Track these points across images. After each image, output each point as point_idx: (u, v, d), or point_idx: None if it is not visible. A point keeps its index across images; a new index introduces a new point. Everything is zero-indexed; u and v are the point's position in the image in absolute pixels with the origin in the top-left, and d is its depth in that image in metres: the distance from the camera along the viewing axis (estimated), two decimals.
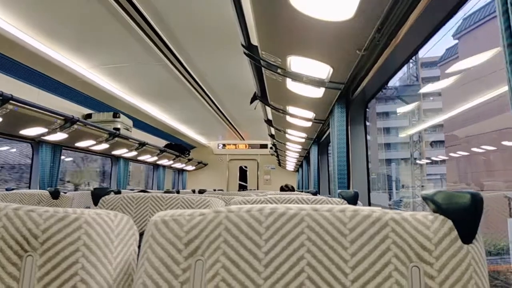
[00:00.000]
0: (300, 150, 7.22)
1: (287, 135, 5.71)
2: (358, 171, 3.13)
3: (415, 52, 2.06)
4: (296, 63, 2.46)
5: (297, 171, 10.97)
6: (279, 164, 11.59)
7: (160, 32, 3.45)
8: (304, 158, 8.21)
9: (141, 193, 2.05)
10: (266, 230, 0.83)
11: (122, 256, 0.98)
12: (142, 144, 6.72)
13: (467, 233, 0.83)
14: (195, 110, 6.81)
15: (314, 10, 1.71)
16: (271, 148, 10.11)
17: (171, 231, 0.86)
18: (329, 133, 3.83)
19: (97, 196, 2.06)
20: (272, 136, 7.02)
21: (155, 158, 8.09)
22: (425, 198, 0.90)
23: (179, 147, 9.07)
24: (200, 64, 4.38)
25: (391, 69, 2.34)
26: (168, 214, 0.88)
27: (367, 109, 3.25)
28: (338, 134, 3.17)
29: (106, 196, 2.06)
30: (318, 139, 5.69)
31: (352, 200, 1.85)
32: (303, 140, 5.77)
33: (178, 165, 9.93)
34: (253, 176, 11.87)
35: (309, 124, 4.34)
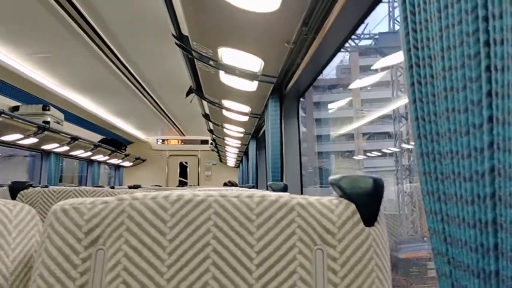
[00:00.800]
0: (239, 145, 7.23)
1: (225, 130, 5.70)
2: (291, 165, 3.18)
3: (343, 43, 2.11)
4: (228, 55, 2.45)
5: (238, 166, 11.00)
6: (220, 160, 11.56)
7: (92, 22, 3.31)
8: (244, 154, 8.25)
9: (63, 187, 1.96)
10: (171, 217, 0.81)
11: (21, 248, 0.92)
12: (74, 138, 6.44)
13: (369, 216, 0.85)
14: (132, 104, 6.62)
15: (240, 1, 1.70)
16: (211, 143, 10.05)
17: (71, 220, 0.82)
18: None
19: (14, 190, 1.94)
20: (211, 131, 6.98)
21: (89, 153, 7.79)
22: (332, 184, 0.92)
23: (115, 142, 8.80)
24: (135, 56, 4.26)
25: (321, 62, 2.39)
26: (68, 202, 0.84)
27: (303, 99, 3.30)
28: (272, 128, 3.20)
29: (25, 190, 1.94)
30: (256, 134, 5.73)
31: (282, 192, 1.87)
32: (242, 135, 5.79)
33: (115, 161, 9.63)
34: (194, 172, 11.76)
35: (245, 118, 4.35)
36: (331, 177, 0.93)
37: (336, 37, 2.00)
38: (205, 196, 0.83)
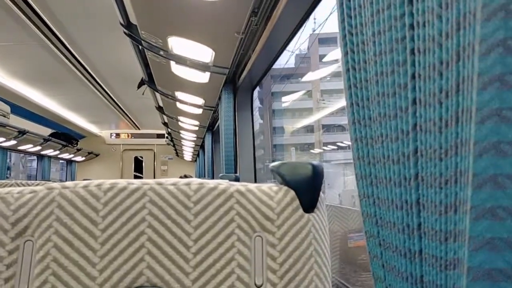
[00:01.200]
0: (195, 139, 7.17)
1: (180, 123, 5.62)
2: (245, 157, 3.18)
3: (294, 33, 2.12)
4: (179, 45, 2.40)
5: (195, 161, 10.91)
6: (177, 154, 11.42)
7: (38, 10, 3.16)
8: (200, 147, 8.18)
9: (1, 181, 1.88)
10: (104, 206, 0.78)
11: None
12: (22, 132, 6.16)
13: (308, 202, 0.86)
14: (84, 97, 6.40)
15: None
16: (167, 137, 9.89)
17: None
18: None
19: None
20: (165, 124, 6.87)
21: (39, 147, 7.49)
22: (273, 171, 0.92)
23: (67, 136, 8.50)
24: (84, 46, 4.11)
25: (273, 52, 2.40)
26: None
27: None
28: (226, 120, 3.18)
29: None
30: (212, 127, 5.69)
31: None
32: (197, 128, 5.73)
33: (66, 156, 9.31)
34: (150, 166, 11.55)
35: (200, 111, 4.31)
36: (272, 164, 0.92)
37: (286, 27, 2.00)
38: (140, 184, 0.81)
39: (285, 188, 0.87)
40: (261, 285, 0.80)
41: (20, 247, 0.76)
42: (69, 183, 0.80)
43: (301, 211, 0.85)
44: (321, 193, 0.88)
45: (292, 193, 0.86)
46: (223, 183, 0.84)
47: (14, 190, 0.79)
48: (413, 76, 0.54)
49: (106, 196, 0.79)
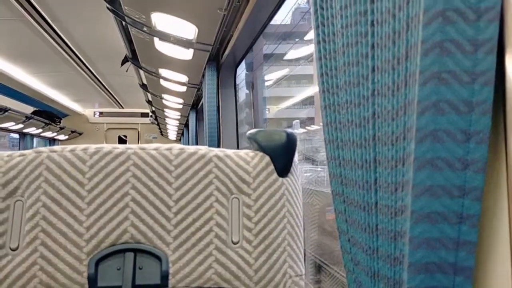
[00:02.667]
0: (179, 117, 7.17)
1: (164, 101, 5.63)
2: (228, 134, 3.24)
3: (275, 11, 2.16)
4: (162, 21, 2.42)
5: (180, 139, 10.92)
6: (161, 133, 11.40)
7: None
8: (185, 126, 8.19)
9: None
10: (90, 168, 0.83)
11: None
12: (3, 109, 6.10)
13: (282, 167, 0.92)
14: (67, 75, 6.31)
15: None
16: (151, 116, 9.86)
17: None
18: None
19: None
20: (149, 102, 6.86)
21: (21, 125, 7.41)
22: (249, 138, 0.98)
23: (49, 114, 8.41)
24: (67, 23, 4.05)
25: (255, 29, 2.43)
26: None
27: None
28: (209, 97, 3.22)
29: None
30: (196, 106, 5.71)
31: None
32: (181, 106, 5.75)
33: (49, 134, 9.23)
34: None
35: (184, 88, 4.33)
36: (249, 132, 0.98)
37: (267, 4, 2.04)
38: (124, 148, 0.86)
39: (261, 153, 0.93)
40: (237, 242, 0.87)
41: (10, 207, 0.81)
42: (56, 147, 0.85)
43: (275, 175, 0.92)
44: (294, 158, 0.95)
45: (267, 158, 0.93)
46: (203, 149, 0.90)
47: (3, 154, 0.84)
48: (372, 46, 0.60)
49: (92, 159, 0.84)
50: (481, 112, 0.47)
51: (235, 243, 0.86)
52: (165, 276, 0.81)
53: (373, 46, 0.61)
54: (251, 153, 0.93)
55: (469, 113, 0.47)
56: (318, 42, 0.78)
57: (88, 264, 0.79)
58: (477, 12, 0.46)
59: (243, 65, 3.30)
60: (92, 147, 0.85)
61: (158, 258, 0.82)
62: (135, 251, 0.82)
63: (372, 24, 0.60)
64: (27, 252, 0.78)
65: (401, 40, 0.54)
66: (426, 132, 0.49)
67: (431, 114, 0.48)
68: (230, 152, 0.92)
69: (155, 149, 0.87)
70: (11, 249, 0.79)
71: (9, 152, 0.84)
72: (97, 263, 0.79)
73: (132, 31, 2.75)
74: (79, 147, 0.85)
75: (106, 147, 0.85)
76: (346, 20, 0.67)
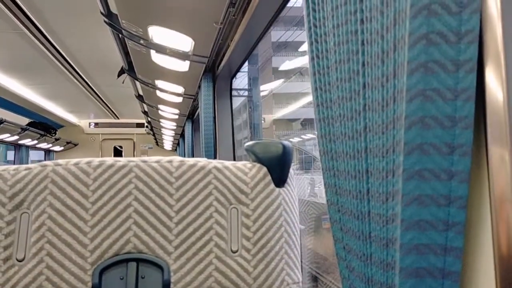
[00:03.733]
0: (175, 127, 7.20)
1: (160, 112, 5.66)
2: (224, 145, 3.27)
3: (270, 24, 2.20)
4: (159, 34, 2.46)
5: (175, 150, 10.93)
6: (157, 143, 11.41)
7: None
8: (180, 136, 8.22)
9: None
10: (93, 181, 0.86)
11: None
12: None
13: (279, 178, 0.95)
14: (62, 86, 6.34)
15: None
16: (147, 126, 9.88)
17: None
18: None
19: None
20: (145, 113, 6.88)
21: (16, 137, 7.41)
22: (247, 150, 1.01)
23: (45, 125, 8.42)
24: (63, 35, 4.08)
25: (250, 42, 2.47)
26: None
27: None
28: (205, 108, 3.25)
29: None
30: (192, 116, 5.74)
31: None
32: (177, 116, 5.77)
33: (44, 145, 9.22)
34: (129, 156, 11.51)
35: (180, 99, 4.36)
36: (246, 144, 1.02)
37: (263, 17, 2.08)
38: (127, 161, 0.89)
39: (258, 165, 0.97)
40: (236, 251, 0.90)
41: (17, 219, 0.84)
42: (61, 161, 0.88)
43: (272, 185, 0.95)
44: (290, 169, 0.98)
45: (264, 169, 0.96)
46: (202, 161, 0.93)
47: (10, 168, 0.87)
48: (363, 64, 0.64)
49: (96, 172, 0.87)
50: (463, 127, 0.51)
51: (234, 252, 0.89)
52: (166, 285, 0.83)
53: (363, 64, 0.64)
54: (248, 164, 0.96)
55: (452, 128, 0.51)
56: (312, 58, 0.81)
57: (92, 274, 0.82)
58: (458, 35, 0.49)
59: (238, 76, 3.34)
60: (96, 160, 0.88)
61: (160, 267, 0.85)
62: (138, 260, 0.85)
63: (363, 43, 0.64)
64: (33, 263, 0.81)
65: (389, 59, 0.57)
66: (413, 145, 0.52)
67: (418, 128, 0.52)
68: (228, 163, 0.95)
69: (157, 161, 0.90)
70: (17, 260, 0.81)
71: (15, 166, 0.87)
72: (101, 273, 0.82)
73: (129, 43, 2.79)
74: (83, 160, 0.88)
75: (109, 160, 0.89)
76: (339, 38, 0.71)
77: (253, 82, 4.06)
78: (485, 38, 0.50)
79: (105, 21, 2.57)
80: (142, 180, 0.88)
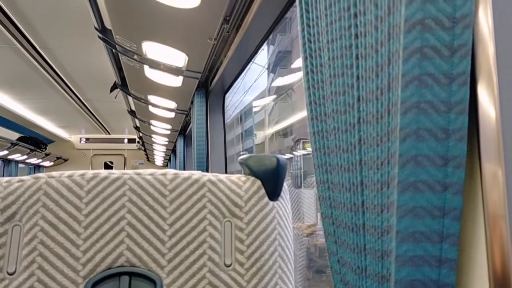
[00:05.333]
0: (167, 143, 7.19)
1: (152, 127, 5.65)
2: (217, 158, 3.27)
3: (264, 40, 2.23)
4: (152, 49, 2.47)
5: (166, 165, 10.89)
6: (148, 159, 11.37)
7: (8, 12, 3.14)
8: (172, 152, 8.19)
9: None
10: (87, 193, 0.85)
11: None
12: None
13: (273, 191, 0.95)
14: (54, 101, 6.31)
15: None
16: (138, 142, 9.85)
17: None
18: None
19: None
20: (137, 128, 6.87)
21: (5, 152, 7.35)
22: (241, 163, 1.01)
23: (35, 140, 8.36)
24: (55, 50, 4.09)
25: (244, 58, 2.50)
26: None
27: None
28: (198, 123, 3.26)
29: None
30: (184, 131, 5.74)
31: None
32: (169, 132, 5.77)
33: (34, 161, 9.14)
34: None
35: (172, 114, 4.37)
36: (240, 157, 1.02)
37: (256, 34, 2.11)
38: (121, 174, 0.89)
39: (252, 178, 0.97)
40: (230, 265, 0.89)
41: (8, 232, 0.83)
42: (54, 173, 0.87)
43: (266, 199, 0.95)
44: (284, 183, 0.98)
45: (258, 182, 0.96)
46: (196, 174, 0.93)
47: (2, 180, 0.86)
48: (358, 77, 0.65)
49: (89, 184, 0.86)
50: (457, 139, 0.51)
51: (227, 266, 0.88)
52: None
53: (358, 78, 0.66)
54: (243, 177, 0.96)
55: (446, 140, 0.52)
56: (307, 73, 0.83)
57: None
58: (451, 49, 0.51)
59: (232, 91, 3.37)
60: (90, 172, 0.88)
61: (152, 281, 0.84)
62: (131, 274, 0.84)
63: (357, 58, 0.65)
64: (24, 276, 0.80)
65: (384, 73, 0.58)
66: (408, 157, 0.53)
67: (412, 140, 0.53)
68: (222, 176, 0.95)
69: (151, 174, 0.90)
70: (8, 273, 0.80)
71: (8, 178, 0.86)
72: (93, 287, 0.81)
73: (123, 58, 2.80)
74: (76, 172, 0.88)
75: (103, 172, 0.88)
76: (333, 52, 0.72)
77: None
78: (477, 53, 0.51)
79: (99, 36, 2.58)
80: (136, 192, 0.87)
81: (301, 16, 0.84)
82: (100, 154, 11.18)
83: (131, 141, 11.01)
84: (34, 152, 8.44)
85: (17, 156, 8.16)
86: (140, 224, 0.86)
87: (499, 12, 0.49)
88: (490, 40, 0.49)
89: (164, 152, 8.74)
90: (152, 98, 3.83)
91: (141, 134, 7.64)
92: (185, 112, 4.19)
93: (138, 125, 6.33)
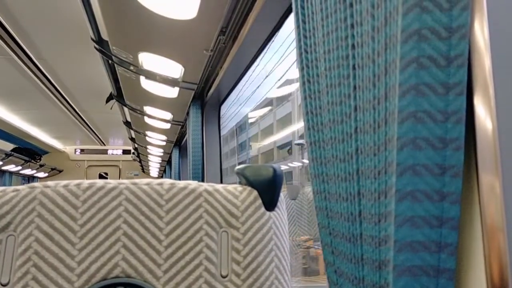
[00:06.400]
0: (162, 154, 7.16)
1: (147, 138, 5.64)
2: (212, 170, 3.26)
3: (259, 52, 2.24)
4: (149, 60, 2.48)
5: (162, 176, 10.85)
6: (143, 170, 11.32)
7: (4, 22, 3.15)
8: (167, 163, 8.17)
9: None
10: (83, 203, 0.85)
11: None
12: None
13: (270, 201, 0.95)
14: (48, 112, 6.30)
15: (159, 7, 1.76)
16: (133, 153, 9.82)
17: None
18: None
19: None
20: (132, 139, 6.85)
21: (0, 163, 7.30)
22: (238, 173, 1.01)
23: (29, 151, 8.31)
24: (51, 61, 4.09)
25: (240, 70, 2.51)
26: None
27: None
28: (193, 134, 3.26)
29: None
30: (179, 142, 5.73)
31: None
32: (164, 143, 5.76)
33: (28, 172, 9.08)
34: None
35: (168, 126, 4.36)
36: (237, 167, 1.01)
37: (252, 46, 2.12)
38: (117, 183, 0.88)
39: (249, 188, 0.96)
40: (226, 276, 0.88)
41: (2, 242, 0.81)
42: (50, 183, 0.87)
43: (263, 209, 0.95)
44: (281, 193, 0.98)
45: (255, 192, 0.95)
46: (193, 183, 0.93)
47: None
48: (354, 87, 0.65)
49: (85, 194, 0.85)
50: (454, 148, 0.52)
51: (224, 277, 0.88)
52: None
53: (355, 87, 0.66)
54: (239, 187, 0.96)
55: (443, 149, 0.52)
56: (304, 83, 0.83)
57: None
58: (448, 59, 0.51)
59: (227, 103, 3.37)
60: (86, 182, 0.87)
61: None
62: (126, 285, 0.83)
63: (354, 68, 0.66)
64: (17, 287, 0.79)
65: (381, 83, 0.59)
66: (405, 166, 0.53)
67: (410, 149, 0.53)
68: (219, 186, 0.95)
69: (147, 184, 0.90)
70: (1, 284, 0.79)
71: (3, 188, 0.85)
72: None
73: (119, 69, 2.80)
74: (72, 182, 0.87)
75: (99, 182, 0.88)
76: (330, 63, 0.72)
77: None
78: (473, 62, 0.51)
79: (95, 47, 2.59)
80: (132, 202, 0.87)
81: (298, 27, 0.85)
82: (95, 165, 11.12)
83: (126, 152, 10.98)
84: (28, 163, 8.39)
85: (11, 167, 8.10)
86: (136, 234, 0.85)
87: (494, 22, 0.49)
88: (486, 50, 0.50)
89: (160, 163, 8.71)
90: (147, 109, 3.83)
91: (136, 145, 7.62)
92: (181, 123, 4.18)
93: (133, 136, 6.31)
